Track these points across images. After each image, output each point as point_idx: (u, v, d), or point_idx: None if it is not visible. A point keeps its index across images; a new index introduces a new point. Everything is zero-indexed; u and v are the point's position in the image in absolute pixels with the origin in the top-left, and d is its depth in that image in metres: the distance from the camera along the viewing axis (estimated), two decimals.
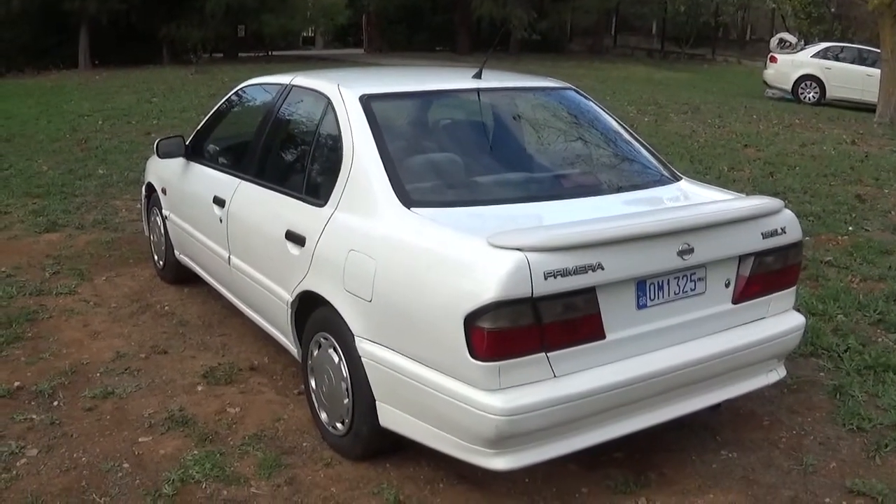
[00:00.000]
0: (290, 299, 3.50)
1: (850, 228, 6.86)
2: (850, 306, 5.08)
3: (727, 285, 3.18)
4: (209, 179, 4.45)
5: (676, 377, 2.99)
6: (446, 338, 2.68)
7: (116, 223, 6.83)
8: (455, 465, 3.19)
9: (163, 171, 5.14)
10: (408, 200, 3.04)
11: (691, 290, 3.06)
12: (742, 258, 3.18)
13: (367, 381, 3.06)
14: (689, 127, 12.54)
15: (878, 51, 15.47)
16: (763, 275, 3.24)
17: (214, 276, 4.55)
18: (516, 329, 2.62)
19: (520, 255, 2.58)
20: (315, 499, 3.10)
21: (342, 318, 3.12)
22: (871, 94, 15.91)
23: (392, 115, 3.49)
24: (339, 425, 3.34)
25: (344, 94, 3.51)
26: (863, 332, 4.71)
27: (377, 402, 3.06)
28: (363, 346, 3.03)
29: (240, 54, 26.59)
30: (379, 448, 3.27)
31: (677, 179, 3.65)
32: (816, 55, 18.21)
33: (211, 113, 4.82)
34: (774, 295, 3.33)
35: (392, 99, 3.57)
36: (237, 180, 4.10)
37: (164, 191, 5.11)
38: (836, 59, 18.00)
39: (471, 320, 2.59)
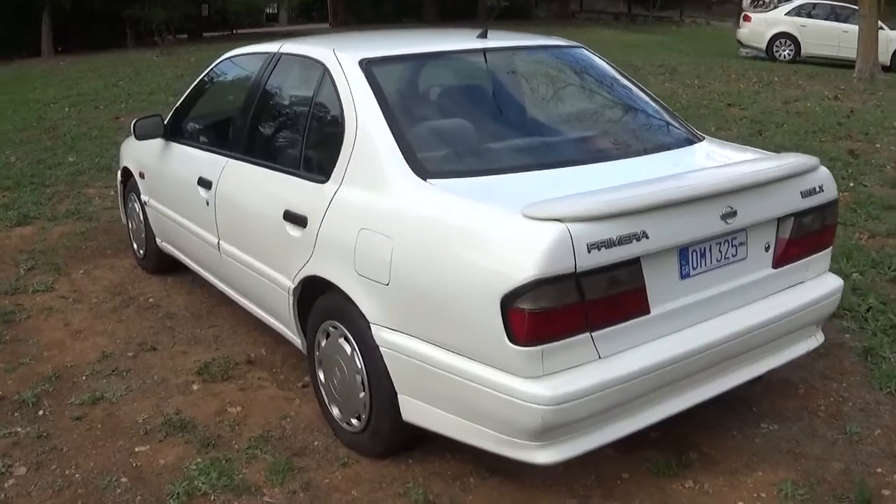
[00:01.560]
0: (292, 286, 3.22)
1: (850, 184, 6.68)
2: (864, 264, 4.90)
3: (767, 249, 2.95)
4: (192, 160, 4.13)
5: (722, 350, 2.76)
6: (480, 322, 2.42)
7: (90, 212, 6.47)
8: (484, 457, 2.95)
9: (140, 153, 4.79)
10: (422, 171, 2.76)
11: (733, 255, 2.83)
12: (781, 220, 2.96)
13: (387, 373, 2.80)
14: (668, 89, 12.30)
15: (853, 7, 15.33)
16: (802, 236, 3.02)
17: (202, 264, 4.24)
18: (559, 308, 2.36)
19: (560, 226, 2.32)
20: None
21: (354, 304, 2.84)
22: (847, 51, 15.77)
23: (395, 81, 3.20)
24: (354, 421, 3.07)
25: (341, 59, 3.20)
26: (882, 291, 4.53)
27: (399, 396, 2.80)
28: (381, 334, 2.75)
29: (204, 34, 26.08)
30: (401, 444, 3.02)
31: (700, 139, 3.41)
32: (790, 13, 18.01)
33: (190, 89, 4.47)
34: (813, 257, 3.12)
35: (394, 62, 3.27)
36: (224, 159, 3.79)
37: (141, 175, 4.77)
38: (810, 16, 17.81)
39: (508, 301, 2.32)
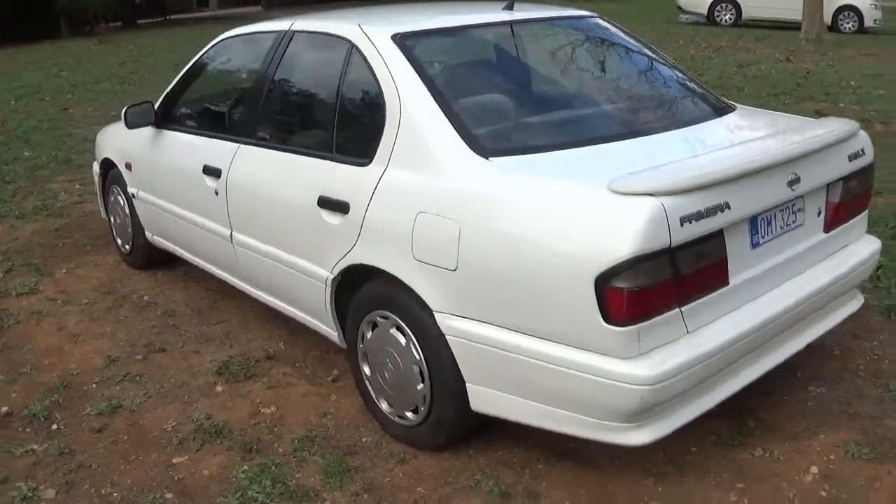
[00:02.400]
0: (330, 276, 3.04)
1: None
2: None
3: (819, 214, 2.92)
4: (193, 148, 3.88)
5: (790, 317, 2.73)
6: (570, 304, 2.30)
7: (59, 208, 6.12)
8: (549, 441, 2.88)
9: (124, 143, 4.50)
10: (481, 150, 2.61)
11: (793, 222, 2.78)
12: (831, 184, 2.92)
13: (453, 363, 2.66)
14: None
15: None
16: (848, 200, 3.01)
17: (208, 257, 4.01)
18: (655, 286, 2.26)
19: (654, 200, 2.21)
20: (404, 503, 2.71)
21: (413, 292, 2.69)
22: (787, 12, 15.99)
23: (433, 55, 3.02)
24: (409, 414, 2.93)
25: (371, 34, 3.01)
26: (886, 250, 4.56)
27: (468, 385, 2.66)
28: (448, 322, 2.61)
29: (138, 21, 25.26)
30: (465, 435, 2.89)
31: (734, 108, 3.33)
32: None
33: (183, 73, 4.18)
34: (855, 220, 3.12)
35: (427, 37, 3.08)
36: (235, 145, 3.56)
37: (128, 166, 4.48)
38: None
39: (604, 281, 2.21)
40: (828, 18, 15.49)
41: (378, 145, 2.84)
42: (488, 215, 2.47)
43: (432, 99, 2.75)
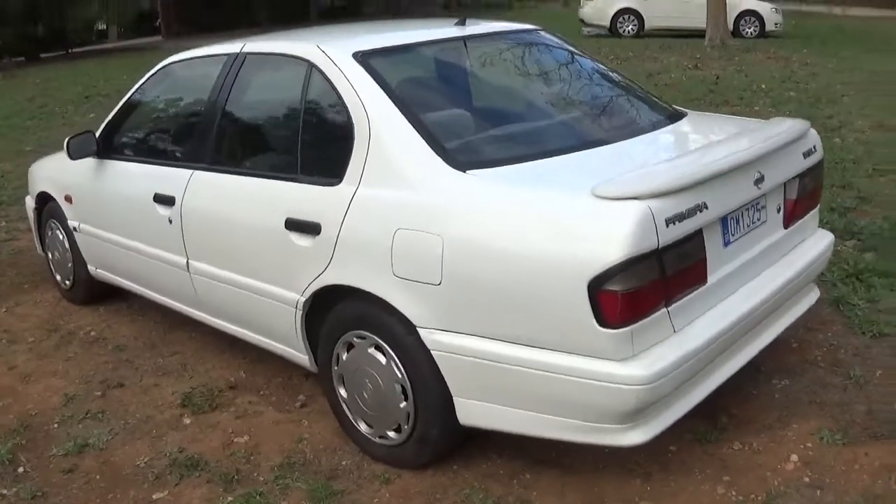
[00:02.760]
0: (302, 299, 2.99)
1: None
2: None
3: (778, 211, 3.02)
4: (142, 176, 3.76)
5: (761, 312, 2.81)
6: (562, 310, 2.32)
7: None
8: (530, 450, 2.90)
9: (63, 175, 4.33)
10: (456, 163, 2.61)
11: (757, 220, 2.88)
12: (788, 182, 3.03)
13: (438, 378, 2.64)
14: None
15: None
16: (803, 196, 3.13)
17: (160, 288, 3.89)
18: (645, 287, 2.30)
19: (642, 203, 2.25)
20: None
21: (394, 309, 2.67)
22: (689, 21, 16.52)
23: (395, 72, 3.00)
24: (391, 434, 2.89)
25: (332, 54, 2.99)
26: None
27: (455, 399, 2.65)
28: (434, 337, 2.59)
29: (41, 55, 24.39)
30: (450, 450, 2.87)
31: (685, 113, 3.42)
32: None
33: (123, 101, 4.04)
34: (809, 215, 3.24)
35: (388, 54, 3.06)
36: (188, 171, 3.46)
37: (67, 198, 4.31)
38: None
39: (597, 284, 2.24)
40: (730, 24, 16.05)
41: (348, 164, 2.81)
42: (472, 228, 2.47)
43: (402, 115, 2.75)
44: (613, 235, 2.23)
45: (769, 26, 17.17)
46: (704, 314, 2.58)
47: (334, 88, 2.92)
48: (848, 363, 3.44)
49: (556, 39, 3.69)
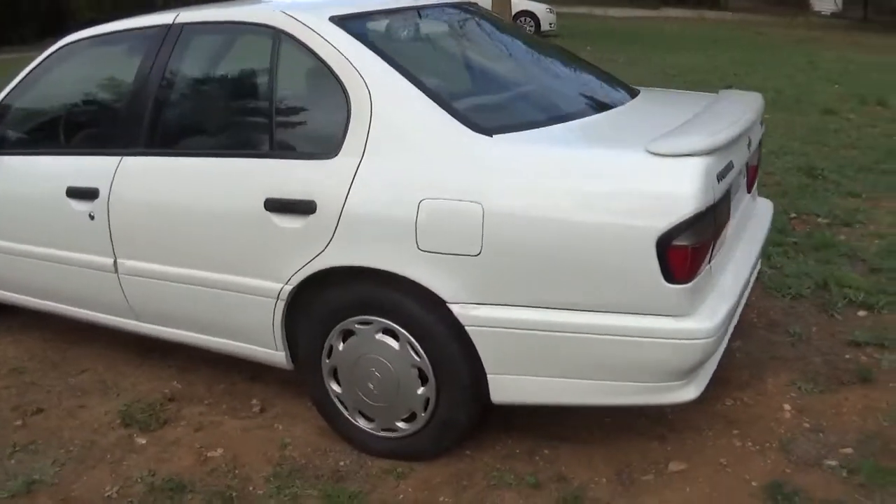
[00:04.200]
0: (287, 288, 2.70)
1: None
2: None
3: (744, 176, 3.15)
4: (47, 170, 3.24)
5: (751, 274, 2.91)
6: (628, 270, 2.25)
7: None
8: (534, 428, 2.86)
9: None
10: (479, 128, 2.46)
11: (739, 185, 2.98)
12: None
13: (470, 356, 2.48)
14: None
15: None
16: (756, 163, 3.28)
17: (67, 297, 3.36)
18: (705, 241, 2.30)
19: (702, 159, 2.24)
20: None
21: (417, 286, 2.47)
22: None
23: (378, 38, 2.79)
24: (402, 424, 2.69)
25: (306, 19, 2.73)
26: None
27: (490, 377, 2.50)
28: (470, 312, 2.42)
29: None
30: (469, 434, 2.72)
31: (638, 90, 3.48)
32: None
33: (13, 87, 3.41)
34: (756, 182, 3.40)
35: (363, 19, 2.85)
36: (115, 159, 3.03)
37: None
38: None
39: (666, 240, 2.19)
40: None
41: (344, 136, 2.58)
42: (518, 193, 2.33)
43: (406, 81, 2.56)
44: (683, 190, 2.20)
45: (544, 26, 18.11)
46: (726, 269, 2.62)
47: (316, 56, 2.67)
48: (783, 322, 3.65)
49: (486, 12, 3.63)
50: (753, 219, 3.21)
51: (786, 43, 17.43)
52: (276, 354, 2.88)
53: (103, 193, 3.03)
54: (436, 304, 2.48)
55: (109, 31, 3.27)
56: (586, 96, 2.99)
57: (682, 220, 2.19)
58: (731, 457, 2.68)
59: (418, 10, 3.21)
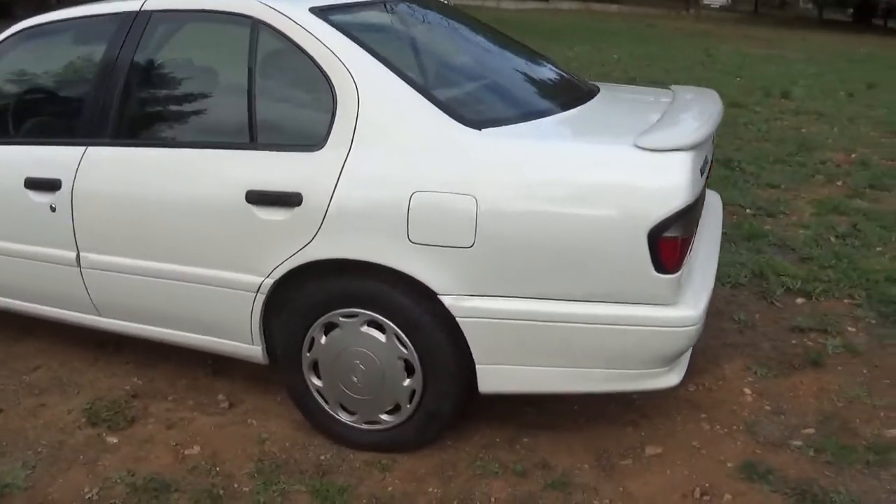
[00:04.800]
0: (269, 281, 2.67)
1: None
2: None
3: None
4: (4, 160, 3.10)
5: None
6: (620, 260, 2.32)
7: None
8: (509, 418, 2.92)
9: None
10: (467, 122, 2.48)
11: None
12: None
13: (459, 347, 2.52)
14: None
15: None
16: (712, 157, 3.41)
17: (25, 292, 3.22)
18: (691, 232, 2.40)
19: (688, 154, 2.33)
20: None
21: (408, 278, 2.48)
22: None
23: (359, 30, 2.77)
24: (385, 417, 2.71)
25: (286, 10, 2.69)
26: None
27: (478, 367, 2.54)
28: (462, 304, 2.46)
29: None
30: (453, 422, 2.75)
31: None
32: None
33: None
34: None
35: (343, 11, 2.83)
36: (79, 149, 2.92)
37: None
38: None
39: (657, 232, 2.28)
40: None
41: (330, 128, 2.56)
42: (512, 186, 2.38)
43: (392, 74, 2.57)
44: (673, 184, 2.29)
45: None
46: (697, 259, 2.73)
47: (297, 47, 2.64)
48: (727, 310, 3.83)
49: (452, 8, 3.65)
50: (710, 210, 3.34)
51: (678, 36, 17.97)
52: (251, 349, 2.85)
53: (66, 185, 2.92)
54: (425, 296, 2.50)
55: (70, 17, 3.14)
56: (559, 91, 3.06)
57: (673, 212, 2.27)
58: (702, 440, 2.80)
59: (388, 4, 3.21)
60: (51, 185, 2.95)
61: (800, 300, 3.94)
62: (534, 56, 3.40)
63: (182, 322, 2.94)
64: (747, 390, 3.11)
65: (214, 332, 2.89)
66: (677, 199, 2.28)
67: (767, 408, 2.99)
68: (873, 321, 3.63)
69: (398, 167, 2.49)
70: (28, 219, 3.03)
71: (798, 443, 2.75)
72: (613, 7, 25.69)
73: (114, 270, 2.94)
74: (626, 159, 2.35)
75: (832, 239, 4.80)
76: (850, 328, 3.57)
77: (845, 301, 3.87)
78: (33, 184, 2.99)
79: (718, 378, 3.20)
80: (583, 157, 2.41)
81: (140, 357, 3.39)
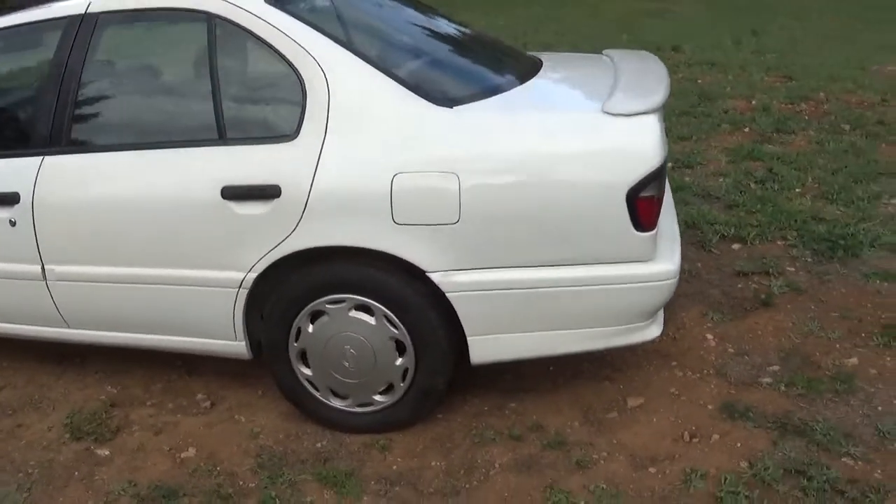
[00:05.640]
0: (251, 276, 2.66)
1: None
2: None
3: None
4: None
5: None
6: (601, 222, 2.43)
7: None
8: (491, 385, 3.04)
9: None
10: (438, 101, 2.53)
11: None
12: None
13: (450, 321, 2.59)
14: None
15: None
16: None
17: None
18: (663, 191, 2.53)
19: (654, 117, 2.46)
20: (438, 478, 2.59)
21: (395, 258, 2.53)
22: None
23: (316, 17, 2.76)
24: (379, 398, 2.76)
25: (242, 3, 2.66)
26: None
27: (469, 339, 2.62)
28: (451, 279, 2.52)
29: None
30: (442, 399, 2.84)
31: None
32: None
33: None
34: None
35: (299, 0, 2.82)
36: (34, 160, 2.82)
37: None
38: None
39: (635, 193, 2.40)
40: None
41: (302, 117, 2.57)
42: (491, 160, 2.45)
43: (359, 59, 2.59)
44: (646, 146, 2.40)
45: None
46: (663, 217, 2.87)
47: (258, 39, 2.62)
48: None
49: None
50: None
51: None
52: (235, 345, 2.84)
53: (25, 197, 2.83)
54: (413, 275, 2.56)
55: (10, 25, 3.01)
56: (510, 65, 3.12)
57: (648, 172, 2.40)
58: (678, 386, 2.97)
59: None
60: (8, 200, 2.85)
61: (736, 246, 4.16)
62: (477, 32, 3.46)
63: (160, 326, 2.91)
64: (709, 336, 3.29)
65: (195, 332, 2.87)
66: (651, 160, 2.40)
67: (731, 350, 3.18)
68: (809, 259, 3.88)
69: (377, 151, 2.52)
70: None
71: (768, 380, 2.95)
72: None
73: (83, 280, 2.87)
74: (597, 125, 2.45)
75: (752, 185, 5.05)
76: (789, 268, 3.81)
77: (779, 243, 4.11)
78: None
79: (679, 327, 3.38)
80: (556, 127, 2.49)
81: (108, 365, 3.33)
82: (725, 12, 15.08)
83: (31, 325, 3.08)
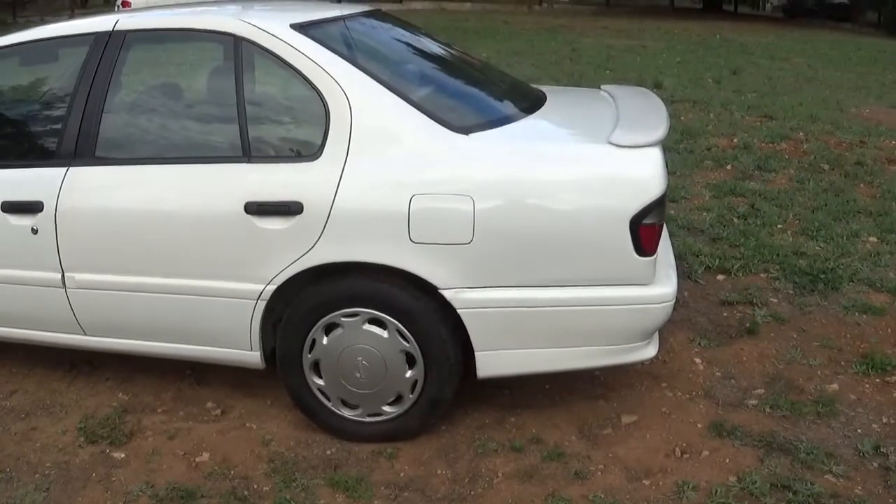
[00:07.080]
0: (270, 288, 2.79)
1: None
2: None
3: None
4: None
5: None
6: (606, 247, 2.61)
7: None
8: (488, 400, 3.16)
9: None
10: (455, 128, 2.70)
11: None
12: None
13: (460, 336, 2.74)
14: None
15: None
16: None
17: (5, 317, 3.22)
18: (663, 218, 2.71)
19: (656, 149, 2.64)
20: (444, 485, 2.72)
21: (410, 275, 2.68)
22: None
23: (338, 44, 2.93)
24: (388, 408, 2.89)
25: (267, 27, 2.82)
26: None
27: (478, 354, 2.77)
28: (462, 296, 2.67)
29: None
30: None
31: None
32: None
33: None
34: None
35: (320, 27, 2.97)
36: (59, 170, 2.95)
37: None
38: None
39: (638, 220, 2.57)
40: None
41: (325, 138, 2.72)
42: (505, 186, 2.62)
43: (381, 86, 2.75)
44: (648, 176, 2.59)
45: None
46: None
47: (285, 63, 2.78)
48: None
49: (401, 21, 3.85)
50: None
51: (537, 31, 18.17)
52: (250, 355, 2.97)
53: (48, 206, 2.95)
54: (426, 292, 2.71)
55: (34, 39, 3.14)
56: (518, 96, 3.31)
57: (650, 201, 2.58)
58: (669, 406, 3.13)
59: (349, 19, 3.37)
60: (31, 208, 2.97)
61: (720, 277, 4.34)
62: (484, 64, 3.65)
63: (176, 334, 3.02)
64: (697, 360, 3.46)
65: (212, 341, 2.99)
66: (653, 190, 2.59)
67: (718, 374, 3.35)
68: (791, 291, 4.08)
69: (396, 172, 2.68)
70: (6, 242, 3.03)
71: (753, 402, 3.12)
72: (467, 5, 25.83)
73: (103, 288, 2.99)
74: (604, 156, 2.63)
75: (735, 220, 5.26)
76: (772, 299, 4.00)
77: (762, 275, 4.30)
78: (11, 207, 2.99)
79: (668, 351, 3.54)
80: (565, 156, 2.68)
81: (118, 373, 3.42)
82: (702, 50, 15.38)
83: (48, 331, 3.18)
